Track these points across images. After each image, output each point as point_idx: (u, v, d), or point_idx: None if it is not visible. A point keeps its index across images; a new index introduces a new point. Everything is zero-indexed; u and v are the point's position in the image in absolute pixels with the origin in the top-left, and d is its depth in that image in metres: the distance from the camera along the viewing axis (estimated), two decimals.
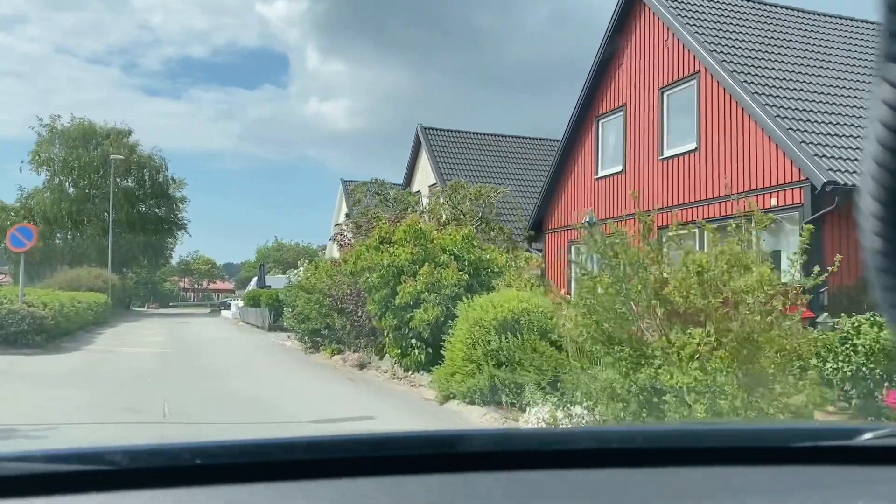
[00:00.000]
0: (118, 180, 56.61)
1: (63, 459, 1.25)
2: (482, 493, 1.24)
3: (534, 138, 31.71)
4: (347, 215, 29.57)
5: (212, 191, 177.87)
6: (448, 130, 31.09)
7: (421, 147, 30.69)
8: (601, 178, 17.65)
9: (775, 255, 10.01)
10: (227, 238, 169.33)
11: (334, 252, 33.20)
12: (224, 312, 53.31)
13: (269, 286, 37.58)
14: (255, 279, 54.33)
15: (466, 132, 31.18)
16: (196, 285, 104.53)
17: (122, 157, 51.49)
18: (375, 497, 1.19)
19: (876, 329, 7.32)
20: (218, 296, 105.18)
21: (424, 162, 30.78)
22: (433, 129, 30.85)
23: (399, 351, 13.00)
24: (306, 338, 20.16)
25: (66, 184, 55.48)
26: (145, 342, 24.08)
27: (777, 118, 12.38)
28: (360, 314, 15.06)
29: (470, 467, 1.28)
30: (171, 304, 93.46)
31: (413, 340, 12.42)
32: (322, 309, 17.93)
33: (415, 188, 29.86)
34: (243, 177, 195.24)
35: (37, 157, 54.28)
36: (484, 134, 31.41)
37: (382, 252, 13.35)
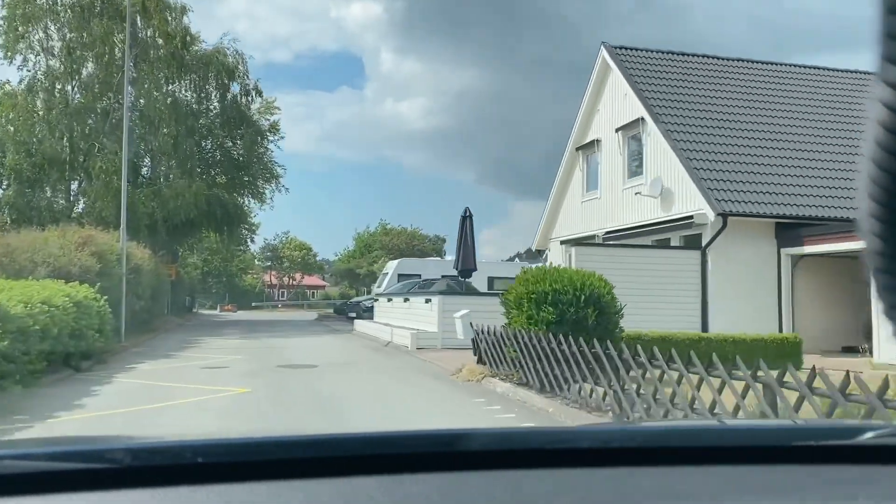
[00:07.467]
0: (165, 87, 31.18)
1: (64, 457, 1.22)
2: (483, 492, 1.20)
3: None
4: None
5: (293, 193, 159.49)
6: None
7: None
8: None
9: None
10: (310, 237, 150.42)
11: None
12: (360, 325, 26.36)
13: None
14: (429, 260, 28.56)
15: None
16: (287, 279, 78.97)
17: None
18: (376, 496, 1.15)
19: None
20: (311, 293, 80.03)
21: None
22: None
23: None
24: None
25: (67, 86, 30.06)
26: None
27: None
28: None
29: (471, 466, 1.25)
30: (253, 304, 68.50)
31: None
32: None
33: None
34: (324, 177, 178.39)
35: (10, 32, 28.93)
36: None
37: None
